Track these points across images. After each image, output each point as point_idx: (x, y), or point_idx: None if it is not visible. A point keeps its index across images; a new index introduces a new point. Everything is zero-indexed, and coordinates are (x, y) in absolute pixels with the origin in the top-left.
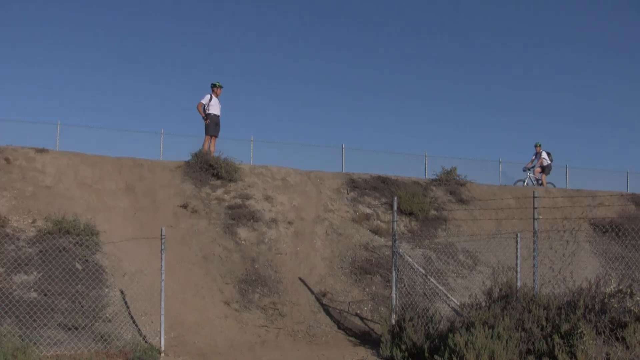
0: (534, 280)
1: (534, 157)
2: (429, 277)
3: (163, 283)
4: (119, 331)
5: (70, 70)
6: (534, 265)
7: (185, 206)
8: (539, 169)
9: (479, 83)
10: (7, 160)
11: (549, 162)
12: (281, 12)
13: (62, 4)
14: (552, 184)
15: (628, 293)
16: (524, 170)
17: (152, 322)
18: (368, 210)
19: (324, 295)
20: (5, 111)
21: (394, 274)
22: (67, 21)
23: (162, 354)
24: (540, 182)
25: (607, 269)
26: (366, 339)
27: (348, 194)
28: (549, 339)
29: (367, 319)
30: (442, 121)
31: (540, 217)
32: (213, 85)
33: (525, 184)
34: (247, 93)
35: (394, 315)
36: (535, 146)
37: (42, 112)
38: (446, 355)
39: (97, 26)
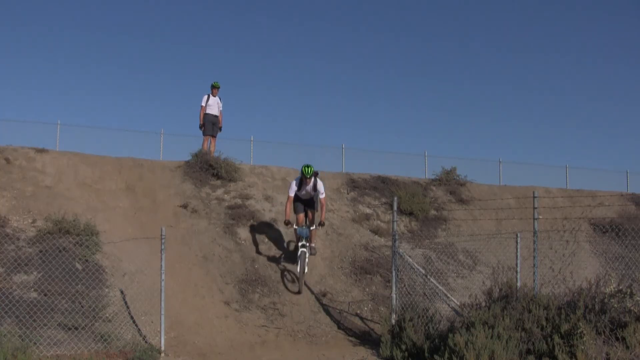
0: (534, 280)
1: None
2: (429, 277)
3: (163, 283)
4: (119, 331)
5: (70, 70)
6: (534, 265)
7: (185, 206)
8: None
9: (479, 83)
10: (7, 160)
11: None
12: (281, 12)
13: (62, 4)
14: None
15: (628, 293)
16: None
17: (152, 322)
18: (368, 210)
19: (324, 295)
20: (5, 111)
21: (394, 274)
22: (67, 21)
23: (162, 354)
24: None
25: (607, 269)
26: (366, 339)
27: (348, 194)
28: (549, 339)
29: (367, 319)
30: (442, 121)
31: (540, 217)
32: (212, 86)
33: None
34: (247, 93)
35: (394, 315)
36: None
37: (42, 112)
38: (446, 355)
39: (97, 26)
